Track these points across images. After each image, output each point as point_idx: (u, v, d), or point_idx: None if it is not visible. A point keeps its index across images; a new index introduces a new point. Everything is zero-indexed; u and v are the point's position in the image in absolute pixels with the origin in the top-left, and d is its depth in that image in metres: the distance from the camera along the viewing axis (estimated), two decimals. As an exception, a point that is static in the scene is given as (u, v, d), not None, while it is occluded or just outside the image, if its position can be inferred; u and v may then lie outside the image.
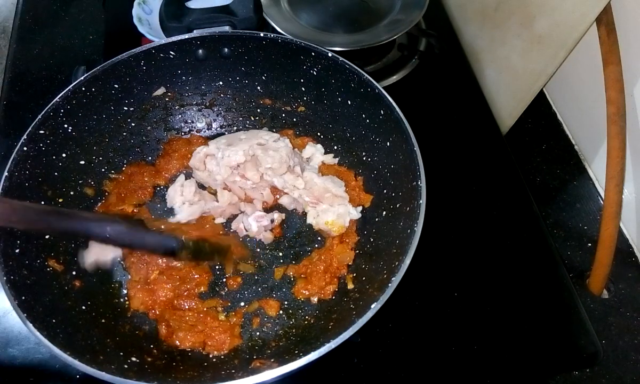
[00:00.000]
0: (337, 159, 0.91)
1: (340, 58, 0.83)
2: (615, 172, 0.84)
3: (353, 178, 0.89)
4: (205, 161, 0.88)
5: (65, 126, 0.78)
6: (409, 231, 0.68)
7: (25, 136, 0.72)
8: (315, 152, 0.92)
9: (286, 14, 1.11)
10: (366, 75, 0.81)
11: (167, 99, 0.90)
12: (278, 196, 0.89)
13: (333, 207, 0.84)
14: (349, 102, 0.86)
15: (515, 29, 1.04)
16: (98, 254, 0.76)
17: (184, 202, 0.85)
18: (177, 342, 0.72)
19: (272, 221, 0.85)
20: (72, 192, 0.79)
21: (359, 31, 1.09)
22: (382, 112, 0.80)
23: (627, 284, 0.91)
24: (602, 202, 0.97)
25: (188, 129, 0.94)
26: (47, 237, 0.72)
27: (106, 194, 0.84)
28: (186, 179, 0.88)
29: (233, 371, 0.68)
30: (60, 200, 0.77)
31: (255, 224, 0.84)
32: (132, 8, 1.06)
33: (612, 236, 0.84)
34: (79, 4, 1.21)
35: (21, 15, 1.17)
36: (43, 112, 0.75)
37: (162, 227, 0.74)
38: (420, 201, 0.69)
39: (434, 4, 1.19)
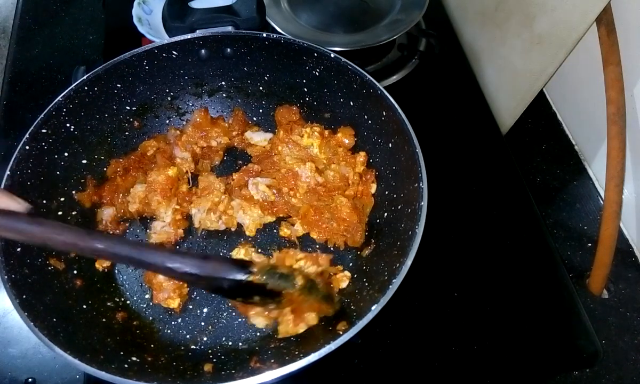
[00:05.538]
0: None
1: (343, 59, 0.82)
2: (615, 172, 0.84)
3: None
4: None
5: (68, 125, 0.78)
6: (410, 232, 0.68)
7: (27, 135, 0.72)
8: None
9: (286, 14, 1.11)
10: (369, 76, 0.81)
11: (169, 99, 0.90)
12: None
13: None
14: (351, 103, 0.86)
15: (515, 29, 1.04)
16: None
17: None
18: None
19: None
20: (73, 192, 0.79)
21: (359, 31, 1.08)
22: (384, 113, 0.80)
23: (627, 284, 0.91)
24: (602, 202, 0.97)
25: (189, 129, 0.94)
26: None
27: (107, 194, 0.84)
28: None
29: (233, 371, 0.68)
30: (62, 199, 0.77)
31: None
32: (132, 8, 1.06)
33: (612, 236, 0.85)
34: (79, 4, 1.21)
35: (21, 15, 1.17)
36: (45, 111, 0.75)
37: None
38: (422, 203, 0.69)
39: (434, 4, 1.19)
